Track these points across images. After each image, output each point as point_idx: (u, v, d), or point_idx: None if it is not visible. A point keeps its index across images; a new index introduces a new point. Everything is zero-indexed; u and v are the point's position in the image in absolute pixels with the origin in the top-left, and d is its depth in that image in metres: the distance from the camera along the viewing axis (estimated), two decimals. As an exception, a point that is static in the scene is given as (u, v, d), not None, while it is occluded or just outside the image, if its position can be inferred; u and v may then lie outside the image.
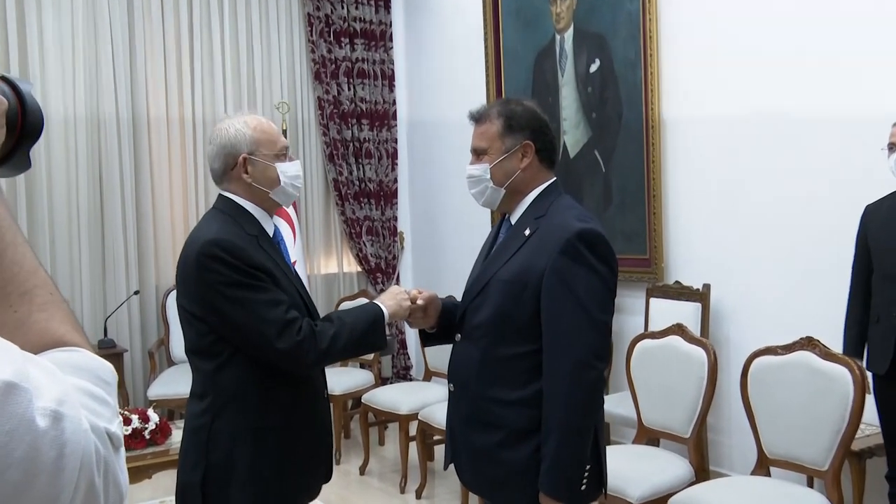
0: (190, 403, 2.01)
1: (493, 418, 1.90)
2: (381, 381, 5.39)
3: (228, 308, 1.86)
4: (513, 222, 2.02)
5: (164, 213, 5.64)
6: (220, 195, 2.05)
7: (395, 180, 6.54)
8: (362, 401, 4.66)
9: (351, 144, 6.29)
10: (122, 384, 5.07)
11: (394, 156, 6.52)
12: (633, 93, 4.42)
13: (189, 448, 1.96)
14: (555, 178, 2.03)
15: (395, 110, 6.54)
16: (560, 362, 1.81)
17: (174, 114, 5.65)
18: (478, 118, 2.04)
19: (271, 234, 2.07)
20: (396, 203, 6.56)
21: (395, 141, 6.54)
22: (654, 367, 3.34)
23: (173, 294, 5.43)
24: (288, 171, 2.06)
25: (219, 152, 2.01)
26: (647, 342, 3.40)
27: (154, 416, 3.57)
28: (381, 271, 6.47)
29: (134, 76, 5.47)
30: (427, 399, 4.38)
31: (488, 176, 1.99)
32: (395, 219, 6.57)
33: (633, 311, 4.50)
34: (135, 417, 3.52)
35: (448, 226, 6.24)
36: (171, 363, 5.43)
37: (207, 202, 5.73)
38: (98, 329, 5.24)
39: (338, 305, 5.48)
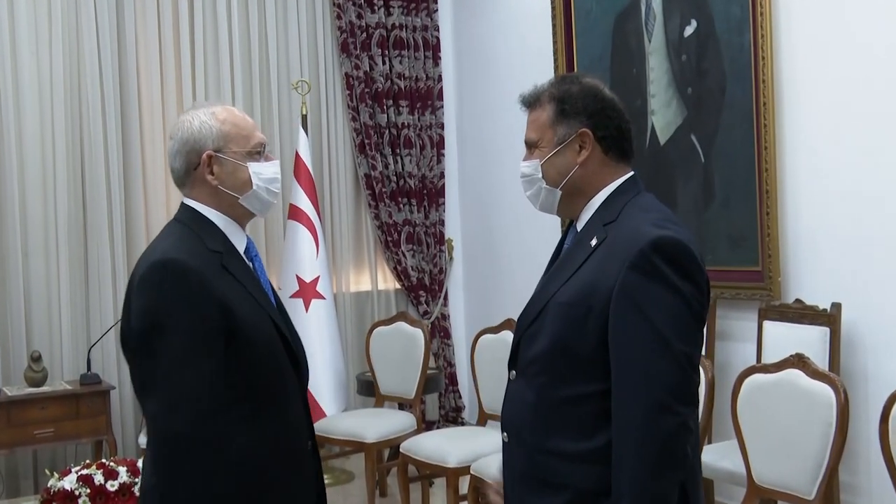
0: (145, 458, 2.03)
1: (553, 476, 1.85)
2: (425, 425, 5.41)
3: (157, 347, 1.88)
4: (578, 230, 1.97)
5: (160, 220, 5.75)
6: (182, 204, 2.08)
7: (442, 175, 6.58)
8: (401, 450, 4.68)
9: (387, 131, 6.35)
10: (108, 428, 5.17)
11: (439, 145, 6.56)
12: (739, 61, 4.36)
13: None
14: (631, 174, 1.97)
15: (441, 88, 6.58)
16: (630, 407, 1.73)
17: (170, 98, 5.78)
18: (529, 103, 2.00)
19: (242, 250, 2.09)
20: (443, 204, 6.59)
21: (441, 126, 6.57)
22: (768, 410, 3.28)
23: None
24: (263, 172, 2.08)
25: (180, 149, 2.04)
26: (758, 377, 3.35)
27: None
28: (424, 289, 6.50)
29: (122, 51, 5.62)
30: (481, 449, 4.36)
31: (540, 174, 1.96)
32: (442, 223, 6.60)
33: (740, 338, 4.43)
34: (122, 470, 3.60)
35: (508, 232, 6.24)
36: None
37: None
38: (80, 361, 5.37)
39: (371, 331, 5.51)
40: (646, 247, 1.76)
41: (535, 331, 1.92)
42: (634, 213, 1.87)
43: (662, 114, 4.87)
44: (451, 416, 6.60)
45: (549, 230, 5.71)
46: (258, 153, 2.08)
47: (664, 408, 1.71)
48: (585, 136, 1.91)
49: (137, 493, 3.56)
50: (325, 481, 5.18)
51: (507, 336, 4.60)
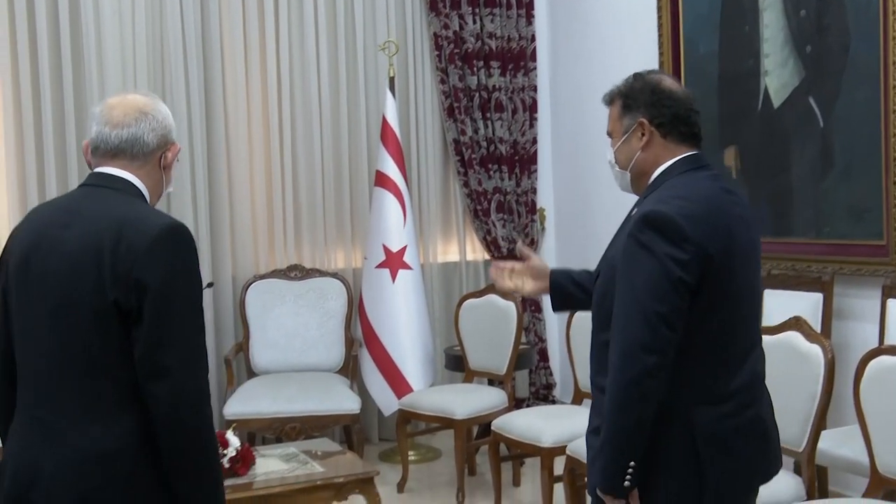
0: None
1: (597, 405, 2.36)
2: (515, 402, 5.39)
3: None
4: None
5: (243, 189, 5.85)
6: (124, 177, 2.17)
7: (534, 141, 6.52)
8: (493, 428, 4.68)
9: (477, 94, 6.30)
10: (192, 399, 5.28)
11: (532, 108, 6.49)
12: (865, 17, 4.22)
13: None
14: (685, 154, 2.36)
15: (535, 49, 6.50)
16: (613, 352, 2.19)
17: (253, 61, 5.84)
18: (606, 101, 2.49)
19: None
20: (535, 170, 6.54)
21: (535, 89, 6.51)
22: (894, 394, 3.18)
23: (254, 287, 5.71)
24: (172, 181, 2.33)
25: (156, 127, 2.21)
26: (884, 360, 3.26)
27: (234, 441, 3.71)
28: (514, 259, 6.43)
29: (205, 9, 5.69)
30: (577, 428, 4.31)
31: (614, 160, 2.46)
32: (534, 191, 6.55)
33: (861, 317, 4.33)
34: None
35: (604, 202, 6.15)
36: (251, 374, 5.63)
37: (296, 177, 5.93)
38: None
39: (460, 304, 5.51)
40: (640, 219, 2.20)
41: (596, 286, 2.42)
42: (660, 190, 2.30)
43: (777, 74, 4.73)
44: (542, 394, 6.57)
45: (649, 199, 5.64)
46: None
47: (631, 356, 2.15)
48: (643, 125, 2.35)
49: (226, 465, 3.63)
50: (410, 458, 5.26)
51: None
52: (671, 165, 2.33)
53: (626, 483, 2.19)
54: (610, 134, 2.47)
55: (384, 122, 5.71)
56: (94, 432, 2.00)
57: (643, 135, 2.34)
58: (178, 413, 1.99)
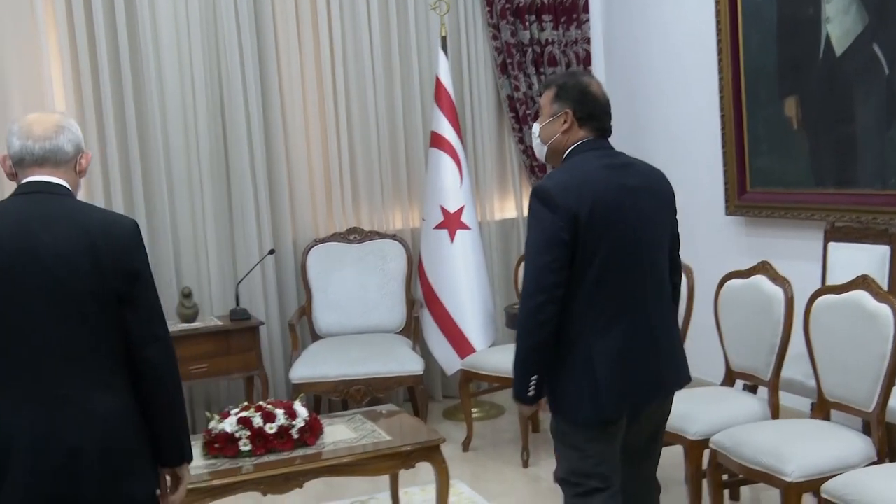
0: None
1: None
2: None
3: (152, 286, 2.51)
4: None
5: (300, 153, 5.83)
6: (56, 182, 2.45)
7: (589, 94, 6.38)
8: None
9: (529, 49, 6.18)
10: (259, 363, 5.33)
11: (586, 61, 6.35)
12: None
13: None
14: (587, 138, 2.93)
15: (587, 0, 6.33)
16: (521, 292, 2.91)
17: (306, 25, 5.78)
18: (544, 87, 3.08)
19: None
20: (591, 124, 6.41)
21: (588, 42, 6.36)
22: None
23: (315, 251, 5.71)
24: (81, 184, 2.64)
25: (72, 139, 2.51)
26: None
27: (302, 412, 3.73)
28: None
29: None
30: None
31: (538, 133, 3.04)
32: (590, 144, 6.43)
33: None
34: (280, 412, 3.68)
35: (661, 156, 5.99)
36: (315, 337, 5.65)
37: (351, 141, 5.89)
38: (229, 297, 5.54)
39: (519, 263, 5.45)
40: (531, 193, 2.85)
41: None
42: (556, 169, 2.99)
43: (840, 21, 4.55)
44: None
45: (705, 155, 5.51)
46: None
47: (528, 296, 2.79)
48: (567, 114, 2.90)
49: (295, 435, 3.66)
50: (474, 415, 5.24)
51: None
52: (575, 147, 2.93)
53: (531, 393, 2.83)
54: (538, 113, 3.14)
55: (437, 82, 5.63)
56: (105, 398, 2.38)
57: (565, 122, 2.91)
58: (169, 367, 2.47)
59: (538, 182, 2.94)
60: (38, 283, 2.33)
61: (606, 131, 2.98)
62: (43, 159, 2.45)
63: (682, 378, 3.05)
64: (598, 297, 2.79)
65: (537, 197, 2.80)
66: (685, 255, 4.45)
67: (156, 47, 5.45)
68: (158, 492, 2.54)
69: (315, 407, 5.71)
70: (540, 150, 3.05)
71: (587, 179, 2.82)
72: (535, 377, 2.80)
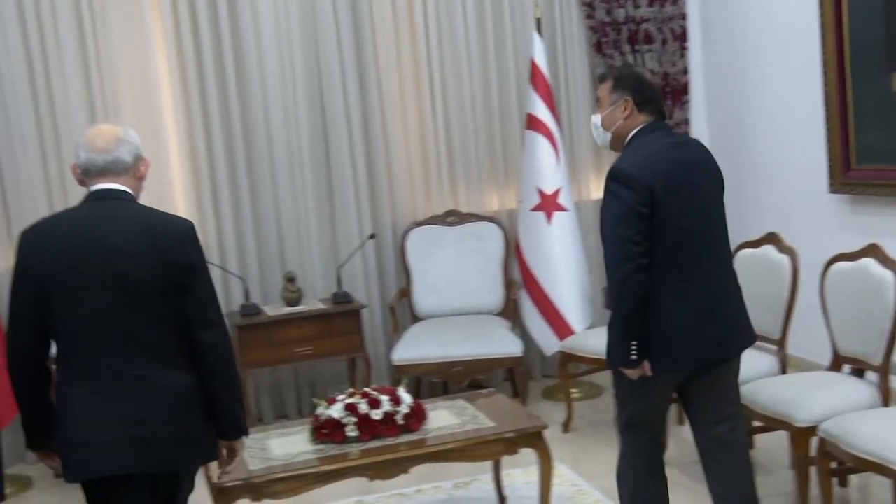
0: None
1: None
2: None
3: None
4: None
5: (397, 138, 5.86)
6: (119, 189, 2.75)
7: (685, 71, 6.25)
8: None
9: (624, 28, 6.08)
10: (361, 346, 5.40)
11: (682, 38, 6.21)
12: None
13: None
14: (648, 121, 3.20)
15: (683, -25, 6.20)
16: (607, 266, 3.12)
17: (402, 13, 5.80)
18: (601, 78, 3.42)
19: None
20: (688, 101, 6.29)
21: (684, 17, 6.22)
22: None
23: (413, 234, 5.75)
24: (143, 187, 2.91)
25: (132, 149, 2.79)
26: None
27: (406, 398, 3.77)
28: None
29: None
30: (746, 373, 3.65)
31: (600, 122, 3.29)
32: (687, 122, 6.30)
33: None
34: (385, 399, 3.72)
35: (763, 130, 5.89)
36: (415, 318, 5.70)
37: (447, 124, 5.90)
38: (330, 281, 5.62)
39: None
40: (608, 175, 3.09)
41: None
42: (624, 151, 3.19)
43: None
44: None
45: (805, 131, 5.35)
46: None
47: (615, 267, 3.04)
48: (628, 102, 3.18)
49: (400, 421, 3.70)
50: (573, 395, 5.23)
51: (770, 252, 4.36)
52: (639, 131, 3.18)
53: (633, 357, 3.05)
54: (598, 101, 3.30)
55: (533, 64, 5.58)
56: (172, 375, 2.69)
57: (626, 109, 3.18)
58: (222, 349, 2.75)
59: (613, 164, 3.13)
60: (107, 278, 2.64)
61: (663, 113, 3.27)
62: (105, 170, 2.75)
63: (748, 339, 3.33)
64: (672, 262, 3.05)
65: (614, 178, 3.05)
66: (785, 232, 4.35)
67: (257, 35, 5.53)
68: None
69: (415, 388, 5.77)
70: (603, 138, 3.29)
71: (656, 158, 3.08)
72: (635, 342, 3.04)
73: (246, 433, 2.86)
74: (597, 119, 3.28)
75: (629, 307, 3.02)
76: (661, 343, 3.06)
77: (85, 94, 5.29)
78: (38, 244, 2.70)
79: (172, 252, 2.68)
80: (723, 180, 3.28)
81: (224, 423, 2.79)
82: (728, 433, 3.28)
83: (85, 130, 2.84)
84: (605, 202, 3.11)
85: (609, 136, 3.25)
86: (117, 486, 2.68)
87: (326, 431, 3.67)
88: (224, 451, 2.86)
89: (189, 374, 2.72)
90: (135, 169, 2.81)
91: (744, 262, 4.51)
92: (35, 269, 2.68)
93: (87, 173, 2.77)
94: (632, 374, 3.10)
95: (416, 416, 3.75)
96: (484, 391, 4.39)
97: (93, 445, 2.63)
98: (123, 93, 5.39)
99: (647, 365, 3.06)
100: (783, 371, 4.25)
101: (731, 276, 3.29)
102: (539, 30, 5.61)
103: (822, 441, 3.51)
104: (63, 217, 2.84)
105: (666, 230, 3.02)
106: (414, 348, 5.26)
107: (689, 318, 3.09)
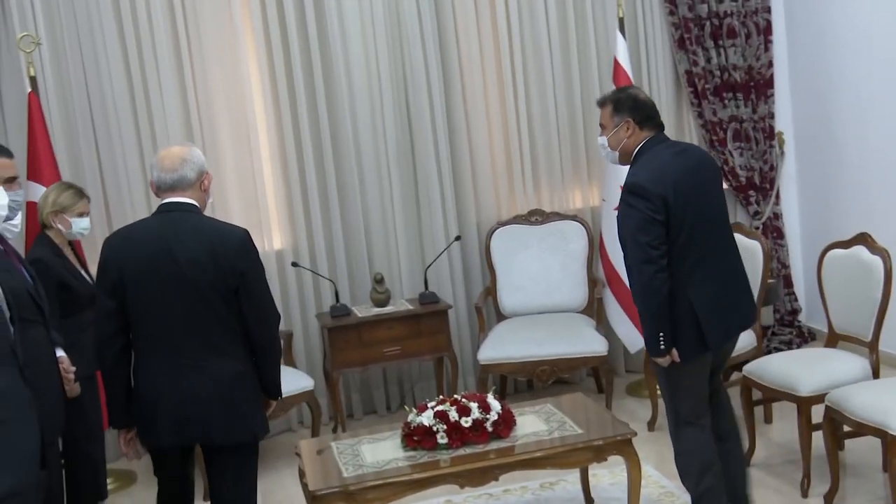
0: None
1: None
2: (763, 333, 5.17)
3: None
4: None
5: (481, 138, 5.87)
6: (185, 202, 3.21)
7: (770, 65, 6.14)
8: (744, 373, 4.53)
9: (707, 22, 5.98)
10: (448, 346, 5.44)
11: (766, 31, 6.10)
12: None
13: None
14: (651, 135, 3.57)
15: (768, -33, 6.07)
16: (629, 269, 3.46)
17: (484, 11, 5.79)
18: (601, 104, 3.76)
19: None
20: (772, 95, 6.18)
21: (768, 10, 6.11)
22: None
23: (498, 234, 5.76)
24: (211, 195, 3.41)
25: (194, 167, 3.23)
26: None
27: (496, 405, 3.79)
28: (754, 188, 6.19)
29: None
30: (837, 375, 4.13)
31: (606, 143, 3.69)
32: (772, 116, 6.20)
33: None
34: (474, 406, 3.75)
35: (849, 122, 5.75)
36: (500, 317, 5.72)
37: (530, 124, 5.90)
38: (417, 281, 5.67)
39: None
40: (625, 189, 3.45)
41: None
42: (635, 165, 3.54)
43: None
44: (787, 320, 6.31)
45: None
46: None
47: (638, 269, 3.40)
48: (629, 122, 3.54)
49: (489, 428, 3.73)
50: (658, 392, 5.19)
51: (861, 252, 4.27)
52: (643, 145, 3.54)
53: (662, 347, 3.42)
54: (603, 126, 3.66)
55: (615, 63, 5.53)
56: (228, 363, 3.18)
57: (628, 128, 3.54)
58: (269, 342, 3.29)
59: (629, 179, 3.47)
60: (174, 281, 3.12)
61: (661, 126, 3.61)
62: (172, 187, 3.21)
63: (751, 318, 3.76)
64: (687, 258, 3.42)
65: (631, 191, 3.40)
66: (874, 231, 4.26)
67: (343, 39, 5.58)
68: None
69: (501, 385, 5.81)
70: (612, 157, 3.67)
71: (665, 169, 3.43)
72: (662, 333, 3.41)
73: (280, 396, 3.45)
74: (603, 140, 3.65)
75: (655, 304, 3.39)
76: (689, 330, 3.43)
77: (182, 107, 5.43)
78: (118, 250, 3.21)
79: (226, 260, 3.12)
80: (721, 175, 3.83)
81: (269, 390, 3.35)
82: (719, 386, 3.80)
83: (157, 153, 3.30)
84: (623, 213, 3.45)
85: (616, 154, 3.62)
86: (185, 455, 3.37)
87: (417, 438, 3.72)
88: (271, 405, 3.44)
89: (239, 363, 3.20)
90: (199, 183, 3.25)
91: (833, 263, 4.45)
92: (114, 271, 3.17)
93: (159, 189, 3.23)
94: (662, 361, 3.47)
95: (506, 423, 3.78)
96: (570, 395, 4.38)
97: (161, 421, 3.17)
98: (217, 104, 5.51)
99: (675, 352, 3.44)
100: (875, 374, 4.18)
101: (738, 257, 3.67)
102: (622, 29, 5.55)
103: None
104: (138, 227, 3.32)
105: (680, 230, 3.40)
106: (500, 347, 5.29)
107: (710, 302, 3.47)
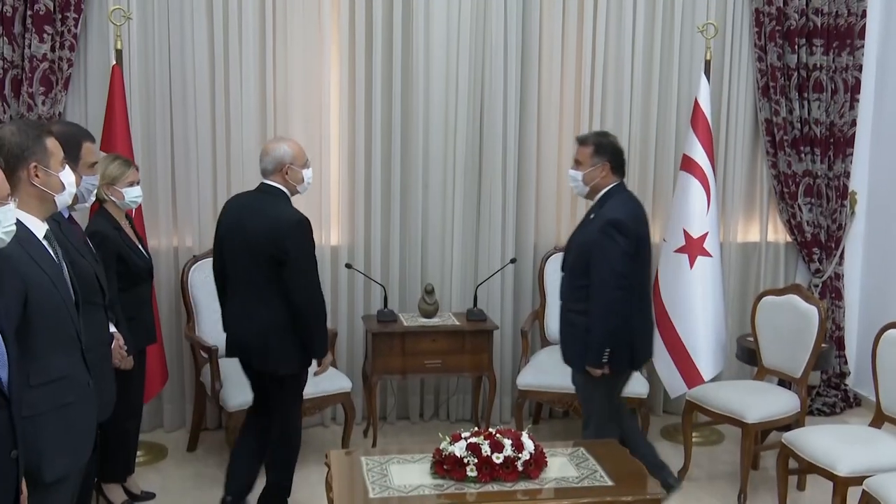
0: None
1: (567, 319, 4.34)
2: (808, 393, 5.01)
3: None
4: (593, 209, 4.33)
5: (551, 162, 5.77)
6: (272, 185, 4.03)
7: (853, 123, 5.95)
8: (783, 441, 4.39)
9: (795, 73, 5.80)
10: (489, 366, 5.35)
11: (854, 89, 5.91)
12: None
13: None
14: (619, 181, 4.21)
15: (864, 26, 5.88)
16: (599, 293, 4.03)
17: (570, 41, 5.68)
18: (582, 142, 4.33)
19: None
20: (851, 154, 5.99)
21: (859, 69, 5.91)
22: None
23: (553, 259, 5.66)
24: (304, 181, 4.16)
25: (274, 159, 4.01)
26: None
27: (529, 445, 3.69)
28: (819, 245, 6.00)
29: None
30: (878, 460, 3.99)
31: (581, 179, 4.28)
32: (846, 175, 6.02)
33: None
34: (507, 443, 3.66)
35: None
36: (545, 342, 5.63)
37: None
38: (467, 297, 5.60)
39: (758, 300, 5.16)
40: (608, 222, 4.01)
41: (570, 254, 4.30)
42: (612, 203, 4.11)
43: None
44: (834, 382, 6.14)
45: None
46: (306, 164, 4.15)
47: (607, 291, 4.00)
48: (606, 165, 4.15)
49: (519, 468, 3.65)
50: (693, 439, 5.10)
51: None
52: (613, 188, 4.17)
53: (604, 360, 4.06)
54: (578, 161, 4.21)
55: (696, 105, 5.36)
56: (271, 313, 3.98)
57: (603, 170, 4.14)
58: (308, 307, 3.98)
59: (612, 215, 4.05)
60: (241, 246, 3.99)
61: (624, 174, 4.26)
62: (262, 171, 4.06)
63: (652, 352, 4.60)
64: (639, 288, 4.13)
65: (615, 226, 3.99)
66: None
67: (426, 47, 5.50)
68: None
69: (536, 410, 5.72)
70: (581, 190, 4.25)
71: (637, 214, 4.16)
72: (608, 350, 4.04)
73: (324, 355, 4.15)
74: (577, 174, 4.20)
75: (613, 324, 4.03)
76: (626, 348, 4.13)
77: (259, 92, 5.41)
78: (222, 212, 4.21)
79: (277, 240, 3.88)
80: None
81: (312, 349, 4.07)
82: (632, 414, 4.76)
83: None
84: (605, 244, 3.99)
85: (587, 189, 4.20)
86: (257, 374, 4.21)
87: (447, 468, 3.64)
88: (317, 365, 4.19)
89: (278, 316, 3.96)
90: (279, 172, 4.01)
91: (891, 342, 4.29)
92: (217, 228, 4.20)
93: (262, 172, 4.08)
94: (597, 372, 4.10)
95: (536, 464, 3.68)
96: (603, 442, 4.27)
97: (229, 344, 4.22)
98: (294, 94, 5.48)
99: (607, 366, 4.09)
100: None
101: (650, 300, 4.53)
102: (707, 72, 5.40)
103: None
104: (239, 197, 4.24)
105: (642, 266, 4.14)
106: (540, 375, 5.20)
107: (646, 327, 4.34)
